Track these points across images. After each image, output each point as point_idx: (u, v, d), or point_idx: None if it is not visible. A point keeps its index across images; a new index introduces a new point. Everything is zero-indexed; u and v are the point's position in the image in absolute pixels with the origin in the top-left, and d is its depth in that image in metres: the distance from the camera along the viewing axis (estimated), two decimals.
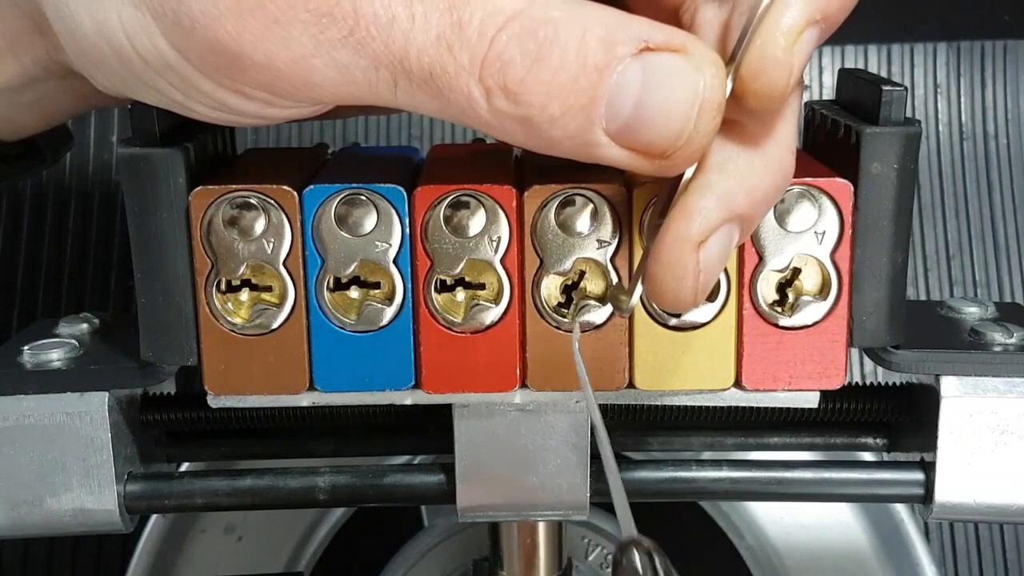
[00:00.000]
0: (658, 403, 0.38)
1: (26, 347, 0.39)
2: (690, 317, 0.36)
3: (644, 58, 0.29)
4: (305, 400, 0.37)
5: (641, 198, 0.35)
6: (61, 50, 0.35)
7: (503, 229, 0.35)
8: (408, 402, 0.37)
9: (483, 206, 0.35)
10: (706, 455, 0.43)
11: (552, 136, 0.30)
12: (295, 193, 0.35)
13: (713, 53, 0.29)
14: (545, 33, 0.29)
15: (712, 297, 0.36)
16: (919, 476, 0.39)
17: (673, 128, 0.29)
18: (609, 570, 0.57)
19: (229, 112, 0.33)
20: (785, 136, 0.32)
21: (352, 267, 0.35)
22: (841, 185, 0.35)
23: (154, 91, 0.33)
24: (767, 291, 0.36)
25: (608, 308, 0.36)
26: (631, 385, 0.37)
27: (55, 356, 0.38)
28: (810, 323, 0.36)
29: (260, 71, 0.30)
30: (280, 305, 0.36)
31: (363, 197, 0.35)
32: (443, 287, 0.36)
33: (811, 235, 0.35)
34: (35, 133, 0.42)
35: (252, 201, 0.35)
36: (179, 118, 0.35)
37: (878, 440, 0.43)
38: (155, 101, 0.34)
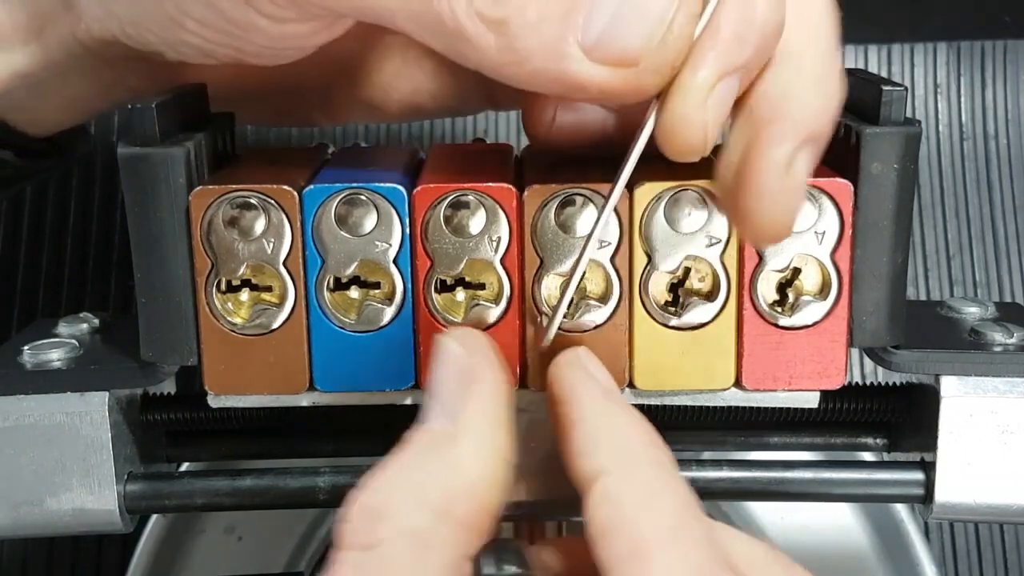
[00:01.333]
0: (658, 403, 0.38)
1: (26, 347, 0.39)
2: (690, 317, 0.36)
3: None
4: (305, 400, 0.37)
5: (641, 198, 0.35)
6: (86, 24, 0.35)
7: (503, 229, 0.35)
8: (408, 402, 0.37)
9: (483, 206, 0.35)
10: (706, 455, 0.43)
11: (525, 44, 0.30)
12: (295, 193, 0.35)
13: None
14: None
15: (712, 297, 0.36)
16: (919, 476, 0.39)
17: (647, 29, 0.30)
18: None
19: (219, 27, 0.33)
20: None
21: (352, 267, 0.35)
22: (841, 185, 0.35)
23: (152, 9, 0.34)
24: (767, 291, 0.36)
25: (608, 308, 0.36)
26: (631, 385, 0.37)
27: (55, 356, 0.38)
28: (810, 323, 0.36)
29: None
30: (280, 305, 0.36)
31: (363, 197, 0.35)
32: (443, 287, 0.36)
33: (811, 235, 0.35)
34: (59, 129, 0.42)
35: (252, 201, 0.35)
36: (180, 118, 0.35)
37: (878, 440, 0.43)
38: (157, 31, 0.34)
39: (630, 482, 0.30)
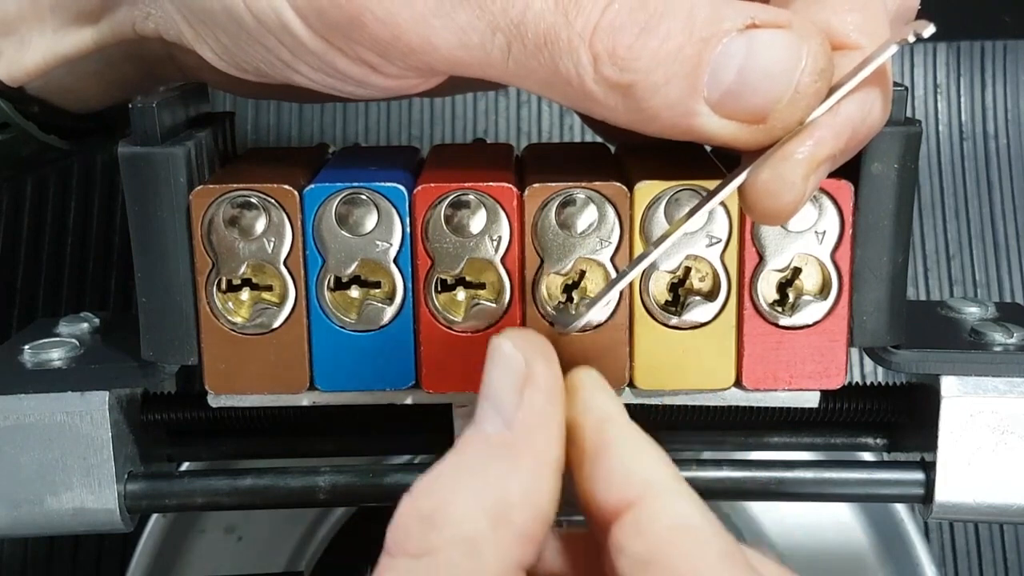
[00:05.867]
0: (658, 402, 0.38)
1: (26, 346, 0.39)
2: (690, 316, 0.36)
3: (750, 33, 0.30)
4: (305, 399, 0.37)
5: (642, 197, 0.35)
6: (147, 21, 0.35)
7: (504, 228, 0.35)
8: (408, 401, 0.37)
9: (484, 205, 0.35)
10: (706, 455, 0.43)
11: (653, 105, 0.30)
12: (296, 192, 0.35)
13: (818, 27, 0.30)
14: (655, 5, 0.30)
15: (712, 296, 0.36)
16: (919, 476, 0.39)
17: (776, 89, 0.30)
18: None
19: (333, 76, 0.33)
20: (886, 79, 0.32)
21: (353, 266, 0.35)
22: (842, 185, 0.35)
23: (262, 51, 0.33)
24: (767, 291, 0.36)
25: (609, 307, 0.36)
26: (631, 385, 0.37)
27: (56, 355, 0.38)
28: (810, 323, 0.36)
29: (380, 28, 0.31)
30: (281, 304, 0.36)
31: (364, 196, 0.35)
32: (443, 286, 0.36)
33: (812, 235, 0.35)
34: (102, 107, 0.42)
35: (253, 200, 0.35)
36: (180, 117, 0.35)
37: (878, 440, 0.43)
38: (258, 64, 0.34)
39: (669, 513, 0.28)
